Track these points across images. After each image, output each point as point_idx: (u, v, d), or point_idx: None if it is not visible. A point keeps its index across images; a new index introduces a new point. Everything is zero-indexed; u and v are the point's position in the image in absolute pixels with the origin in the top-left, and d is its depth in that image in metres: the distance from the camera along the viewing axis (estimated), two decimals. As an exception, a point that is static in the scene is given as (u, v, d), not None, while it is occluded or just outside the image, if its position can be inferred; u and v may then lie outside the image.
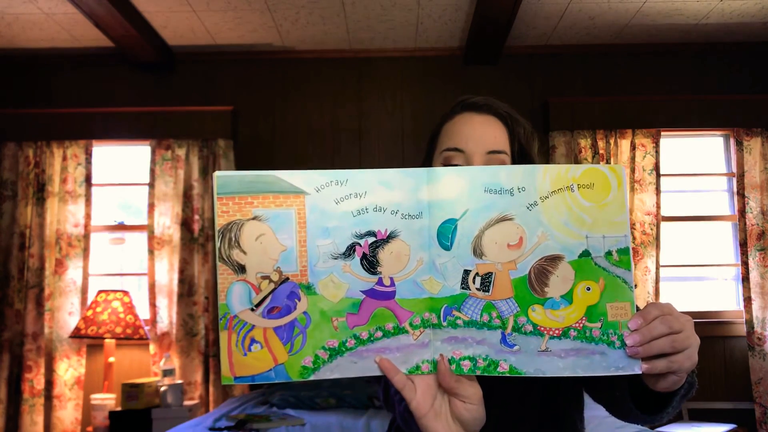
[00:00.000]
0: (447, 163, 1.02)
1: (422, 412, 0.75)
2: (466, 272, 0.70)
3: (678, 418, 3.38)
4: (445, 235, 0.71)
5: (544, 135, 3.56)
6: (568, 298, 0.69)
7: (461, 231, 0.70)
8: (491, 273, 0.70)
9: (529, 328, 0.69)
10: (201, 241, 3.43)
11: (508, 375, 0.70)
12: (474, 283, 0.70)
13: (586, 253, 0.69)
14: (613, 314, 0.68)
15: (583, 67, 3.68)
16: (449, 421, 0.76)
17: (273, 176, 0.71)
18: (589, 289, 0.69)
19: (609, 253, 0.69)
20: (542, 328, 0.69)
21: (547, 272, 0.69)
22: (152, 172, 3.47)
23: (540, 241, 0.70)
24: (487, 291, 0.70)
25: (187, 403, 3.14)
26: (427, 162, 1.09)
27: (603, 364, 0.68)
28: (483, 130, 1.03)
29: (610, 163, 3.45)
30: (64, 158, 3.48)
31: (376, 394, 2.81)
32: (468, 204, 0.70)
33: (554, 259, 0.69)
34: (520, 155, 1.04)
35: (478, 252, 0.70)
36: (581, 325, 0.68)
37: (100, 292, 3.28)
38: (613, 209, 0.69)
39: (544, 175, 0.70)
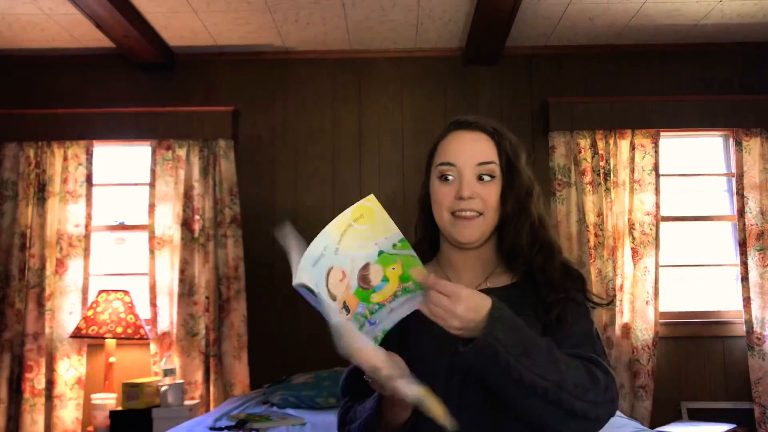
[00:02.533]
0: (442, 175, 1.19)
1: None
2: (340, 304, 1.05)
3: (678, 418, 3.39)
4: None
5: (543, 135, 3.57)
6: (385, 280, 1.04)
7: (326, 287, 1.02)
8: (344, 300, 1.03)
9: (376, 307, 1.05)
10: (201, 241, 3.44)
11: (383, 337, 1.07)
12: (343, 309, 1.03)
13: (381, 252, 1.03)
14: (415, 274, 1.04)
15: (583, 67, 3.68)
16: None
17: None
18: (394, 268, 1.04)
19: (394, 245, 1.04)
20: (383, 302, 1.05)
21: (366, 275, 1.03)
22: (153, 172, 3.48)
23: (353, 265, 1.02)
24: (348, 312, 1.03)
25: (187, 402, 3.14)
26: (426, 177, 1.26)
27: (420, 301, 1.04)
28: (472, 145, 1.19)
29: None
30: (65, 158, 3.49)
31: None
32: (318, 274, 1.01)
33: (365, 266, 1.03)
34: (508, 166, 1.19)
35: (332, 295, 1.01)
36: (401, 287, 1.05)
37: (100, 291, 3.29)
38: (382, 223, 1.03)
39: (332, 230, 1.01)
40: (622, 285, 3.41)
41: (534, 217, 1.19)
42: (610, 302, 1.38)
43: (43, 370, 3.33)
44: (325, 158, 3.64)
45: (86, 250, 3.44)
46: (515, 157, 1.20)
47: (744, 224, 3.43)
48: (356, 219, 1.02)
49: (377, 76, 3.70)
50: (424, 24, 3.37)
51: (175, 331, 3.38)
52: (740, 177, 3.47)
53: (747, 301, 3.39)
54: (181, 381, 3.15)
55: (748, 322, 3.37)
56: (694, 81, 3.64)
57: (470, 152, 1.18)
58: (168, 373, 3.13)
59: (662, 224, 3.48)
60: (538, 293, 1.16)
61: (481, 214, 1.16)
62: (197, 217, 3.46)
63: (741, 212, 3.44)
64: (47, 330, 3.36)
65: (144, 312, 3.42)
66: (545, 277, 1.16)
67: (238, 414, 2.50)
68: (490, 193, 1.17)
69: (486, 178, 1.18)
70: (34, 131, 3.48)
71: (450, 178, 1.18)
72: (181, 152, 3.50)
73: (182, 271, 3.40)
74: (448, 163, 1.18)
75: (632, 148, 3.47)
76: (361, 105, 3.68)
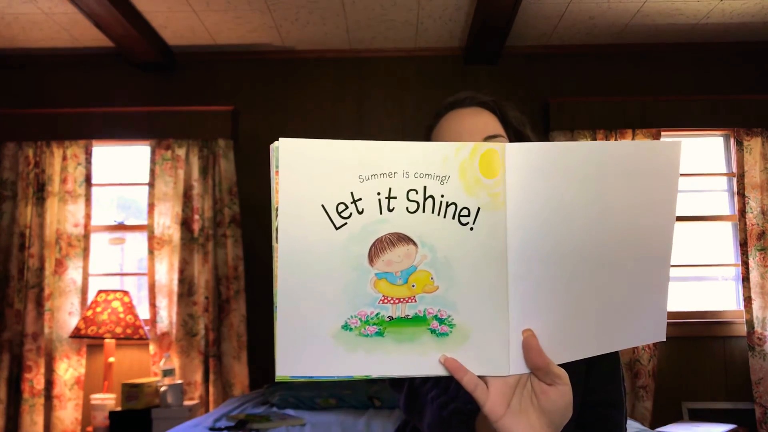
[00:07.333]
0: None
1: (499, 414, 0.65)
2: None
3: (678, 418, 3.38)
4: None
5: (544, 135, 3.56)
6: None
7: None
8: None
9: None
10: (201, 241, 3.43)
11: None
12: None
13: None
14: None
15: (583, 67, 3.68)
16: (532, 419, 0.66)
17: None
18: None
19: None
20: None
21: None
22: (152, 172, 3.48)
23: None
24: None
25: (187, 403, 3.14)
26: None
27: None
28: (472, 121, 1.00)
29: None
30: (64, 158, 3.48)
31: (397, 402, 2.80)
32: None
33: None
34: (517, 138, 1.01)
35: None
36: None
37: (100, 292, 3.28)
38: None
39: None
40: (622, 285, 3.40)
41: None
42: None
43: (42, 370, 3.32)
44: (324, 158, 3.63)
45: (85, 250, 3.44)
46: (522, 125, 1.03)
47: (745, 224, 3.42)
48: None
49: (377, 76, 3.70)
50: (424, 23, 3.37)
51: (174, 332, 3.38)
52: (741, 177, 3.46)
53: (748, 301, 3.38)
54: (180, 381, 3.14)
55: (749, 322, 3.37)
56: (694, 81, 3.64)
57: (472, 128, 0.99)
58: (167, 373, 3.13)
59: (663, 224, 3.47)
60: None
61: None
62: (197, 217, 3.45)
63: (742, 212, 3.44)
64: (46, 330, 3.35)
65: (143, 312, 3.42)
66: None
67: (238, 414, 2.49)
68: None
69: None
70: (33, 131, 3.48)
71: None
72: (181, 152, 3.49)
73: (182, 271, 3.39)
74: None
75: (632, 147, 3.46)
76: (361, 104, 3.68)
